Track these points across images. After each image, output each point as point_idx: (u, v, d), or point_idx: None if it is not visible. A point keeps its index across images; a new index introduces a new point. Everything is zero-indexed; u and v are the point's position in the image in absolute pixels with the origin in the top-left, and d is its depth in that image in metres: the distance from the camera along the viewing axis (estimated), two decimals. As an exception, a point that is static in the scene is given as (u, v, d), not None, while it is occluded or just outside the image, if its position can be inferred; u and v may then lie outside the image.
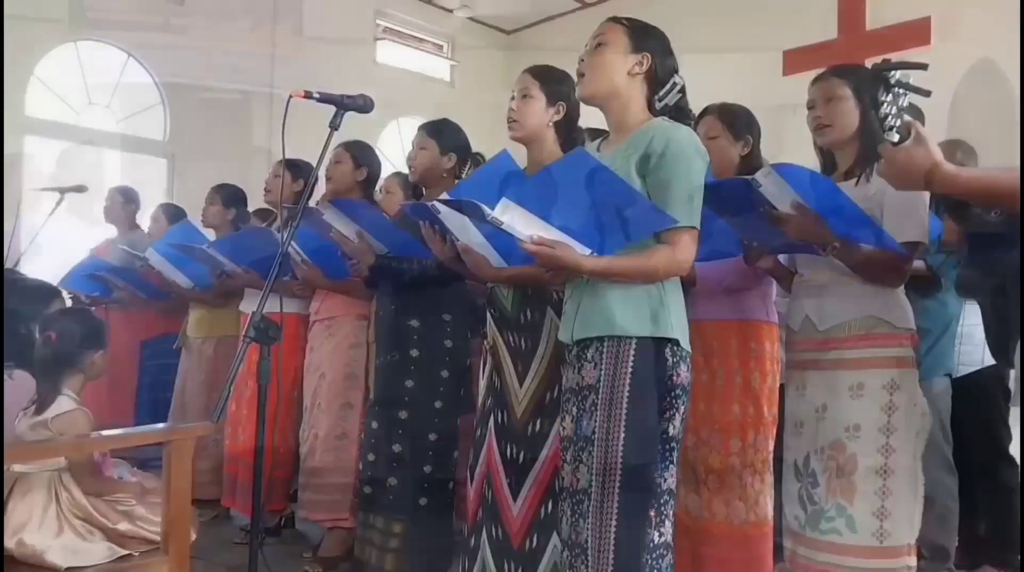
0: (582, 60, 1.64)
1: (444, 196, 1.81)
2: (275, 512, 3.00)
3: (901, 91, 1.24)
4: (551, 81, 1.95)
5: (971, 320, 2.52)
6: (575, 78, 1.70)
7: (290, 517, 3.07)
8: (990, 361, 2.53)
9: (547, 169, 1.56)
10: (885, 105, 1.24)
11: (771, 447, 2.03)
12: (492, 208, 1.46)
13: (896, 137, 1.25)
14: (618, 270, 1.52)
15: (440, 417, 2.34)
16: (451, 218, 1.77)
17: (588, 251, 1.50)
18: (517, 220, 1.46)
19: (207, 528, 2.87)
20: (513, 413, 1.89)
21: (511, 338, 1.94)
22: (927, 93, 1.25)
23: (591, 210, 1.48)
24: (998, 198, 1.33)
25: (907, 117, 1.26)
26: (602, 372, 1.51)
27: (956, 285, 1.64)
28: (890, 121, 1.24)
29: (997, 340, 1.49)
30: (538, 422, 1.87)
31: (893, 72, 1.25)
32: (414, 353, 2.34)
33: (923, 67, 1.28)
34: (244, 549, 2.76)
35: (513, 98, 1.97)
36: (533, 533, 1.85)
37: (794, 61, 5.56)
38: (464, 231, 1.81)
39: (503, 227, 1.45)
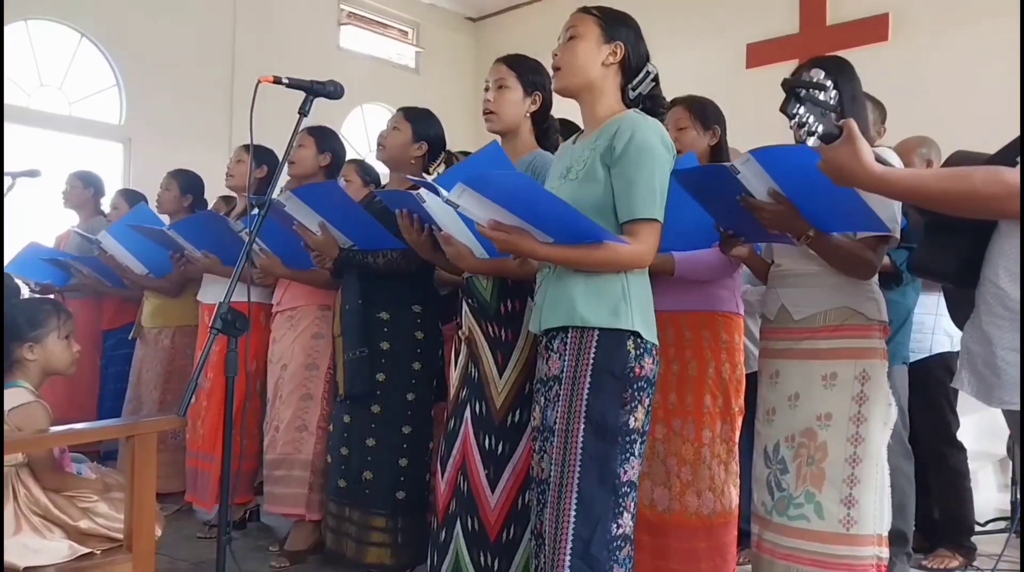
0: (555, 54, 1.62)
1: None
2: (241, 505, 2.94)
3: (811, 102, 1.28)
4: (526, 71, 1.92)
5: (921, 309, 2.59)
6: (549, 70, 1.69)
7: (256, 510, 3.02)
8: (939, 349, 2.62)
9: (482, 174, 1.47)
10: (798, 116, 1.27)
11: (737, 437, 2.06)
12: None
13: (815, 142, 1.29)
14: (574, 258, 1.50)
15: (413, 409, 2.31)
16: (435, 208, 1.74)
17: (549, 240, 1.49)
18: (476, 205, 1.43)
19: (169, 523, 2.81)
20: (492, 404, 1.87)
21: (490, 328, 1.91)
22: (834, 108, 1.29)
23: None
24: (926, 201, 1.33)
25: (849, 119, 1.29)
26: (565, 363, 1.51)
27: (909, 265, 1.67)
28: (808, 127, 1.27)
29: (962, 314, 1.52)
30: (517, 413, 1.86)
31: (800, 89, 1.29)
32: (384, 346, 2.31)
33: (824, 87, 1.31)
34: (208, 543, 2.73)
35: (487, 88, 1.92)
36: (510, 524, 1.83)
37: (758, 54, 5.65)
38: (448, 221, 1.79)
39: (459, 210, 1.43)
